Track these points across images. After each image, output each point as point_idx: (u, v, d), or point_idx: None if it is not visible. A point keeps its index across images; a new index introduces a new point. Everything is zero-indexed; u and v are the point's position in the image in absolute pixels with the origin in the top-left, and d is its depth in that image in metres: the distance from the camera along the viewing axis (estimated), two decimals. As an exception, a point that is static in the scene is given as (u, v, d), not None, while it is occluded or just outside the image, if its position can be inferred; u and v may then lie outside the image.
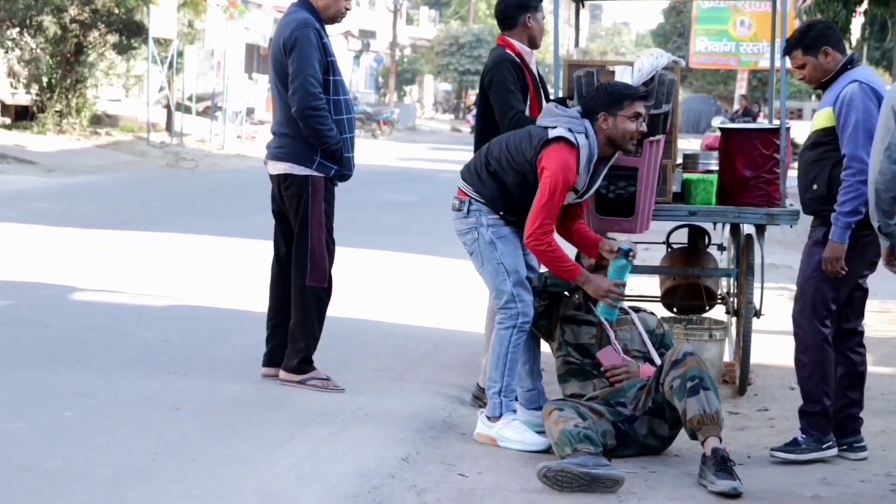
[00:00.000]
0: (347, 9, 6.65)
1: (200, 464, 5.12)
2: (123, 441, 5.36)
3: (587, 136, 5.63)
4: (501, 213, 5.75)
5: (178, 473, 4.97)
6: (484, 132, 6.35)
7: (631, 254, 5.65)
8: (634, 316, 6.08)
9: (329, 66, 6.45)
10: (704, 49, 39.72)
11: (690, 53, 40.27)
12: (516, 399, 5.94)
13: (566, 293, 6.01)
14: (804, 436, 5.74)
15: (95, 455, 5.13)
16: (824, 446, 5.74)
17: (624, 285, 5.66)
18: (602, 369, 5.86)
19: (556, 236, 5.65)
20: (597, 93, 5.73)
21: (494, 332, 5.85)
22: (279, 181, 6.55)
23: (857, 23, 18.02)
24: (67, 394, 6.13)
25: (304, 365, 6.58)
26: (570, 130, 5.60)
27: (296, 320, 6.56)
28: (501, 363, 5.78)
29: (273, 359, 6.71)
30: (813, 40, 5.71)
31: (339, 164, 6.48)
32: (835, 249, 5.60)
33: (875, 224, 5.53)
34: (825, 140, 5.69)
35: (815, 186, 5.71)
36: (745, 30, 37.04)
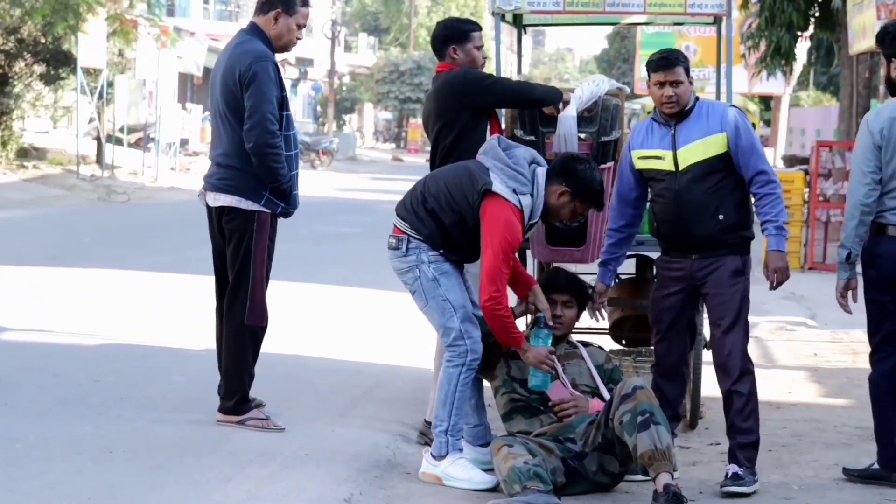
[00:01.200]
0: (299, 38, 6.49)
1: (135, 509, 4.95)
2: (53, 486, 5.21)
3: (532, 195, 5.59)
4: (441, 251, 5.67)
5: (111, 520, 4.80)
6: (445, 159, 6.25)
7: (544, 320, 5.77)
8: (583, 350, 6.01)
9: (283, 101, 6.32)
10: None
11: (636, 79, 40.46)
12: (462, 437, 5.82)
13: None
14: (744, 469, 5.74)
15: (24, 501, 4.97)
16: (756, 477, 5.77)
17: (554, 353, 5.73)
18: (550, 404, 5.77)
19: None
20: (584, 173, 5.64)
21: (442, 369, 5.75)
22: (219, 213, 6.37)
23: (802, 47, 18.23)
24: (-6, 437, 5.93)
25: (241, 405, 6.41)
26: (513, 191, 5.54)
27: (232, 360, 6.39)
28: (449, 402, 5.68)
29: None
30: (687, 63, 5.87)
31: (286, 201, 6.36)
32: (784, 258, 5.76)
33: (846, 252, 5.62)
34: (718, 167, 5.78)
35: (721, 216, 5.77)
36: (690, 55, 37.32)
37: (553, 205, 5.66)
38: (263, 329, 6.46)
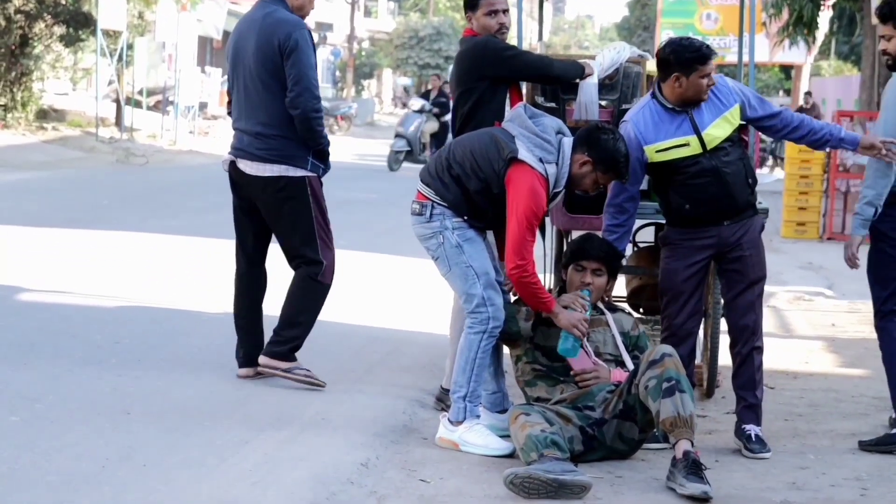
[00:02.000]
0: (311, 9, 6.66)
1: (152, 470, 4.99)
2: (72, 447, 5.22)
3: (558, 164, 5.58)
4: (466, 217, 5.67)
5: (128, 480, 4.84)
6: (464, 125, 6.26)
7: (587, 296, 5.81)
8: (609, 317, 5.98)
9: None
10: (670, 43, 39.78)
11: (656, 47, 40.15)
12: (480, 404, 5.84)
13: None
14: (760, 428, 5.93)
15: (42, 461, 4.98)
16: None
17: (587, 321, 5.71)
18: (572, 373, 5.76)
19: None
20: (608, 143, 5.62)
21: (463, 336, 5.75)
22: (265, 183, 6.43)
23: (825, 17, 18.08)
24: (13, 397, 5.96)
25: (292, 354, 6.51)
26: (540, 160, 5.52)
27: (298, 309, 6.54)
28: (469, 368, 5.68)
29: (251, 360, 6.61)
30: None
31: (325, 163, 6.53)
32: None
33: (872, 210, 5.90)
34: (735, 137, 5.96)
35: (750, 180, 5.97)
36: (711, 23, 37.08)
37: (575, 174, 5.65)
38: (329, 286, 6.67)
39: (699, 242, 5.97)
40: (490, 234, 5.95)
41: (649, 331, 6.93)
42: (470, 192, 5.64)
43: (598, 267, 5.92)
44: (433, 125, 24.56)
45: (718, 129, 5.87)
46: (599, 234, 6.13)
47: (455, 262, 5.67)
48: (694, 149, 5.87)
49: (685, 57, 5.79)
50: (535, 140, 5.58)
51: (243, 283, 6.70)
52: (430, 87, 26.79)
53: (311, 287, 6.55)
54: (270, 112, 6.39)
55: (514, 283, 5.63)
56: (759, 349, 6.01)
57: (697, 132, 5.85)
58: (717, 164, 5.87)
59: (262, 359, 6.52)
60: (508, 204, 5.56)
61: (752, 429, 5.88)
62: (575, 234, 7.10)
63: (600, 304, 6.00)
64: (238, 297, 6.70)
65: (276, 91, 6.36)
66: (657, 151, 5.90)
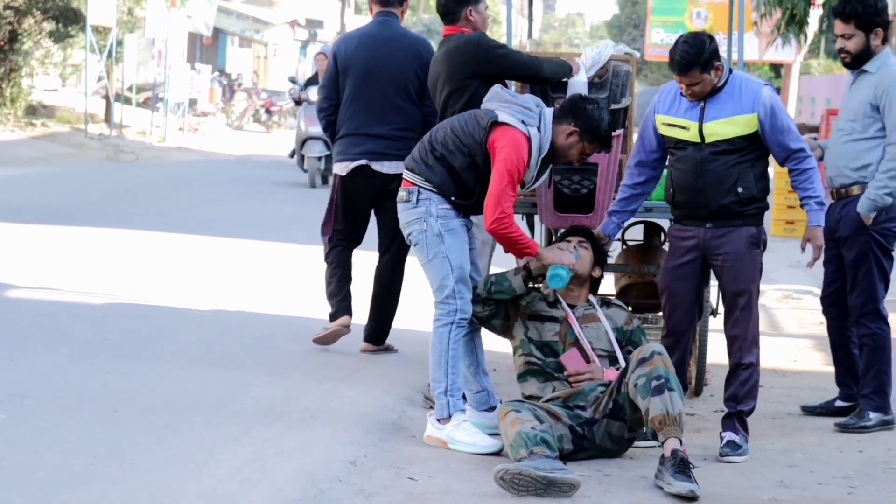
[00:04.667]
0: None
1: (140, 467, 5.00)
2: (60, 443, 5.23)
3: (540, 129, 5.57)
4: (453, 198, 5.67)
5: (117, 477, 4.84)
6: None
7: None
8: (601, 312, 5.97)
9: None
10: (660, 41, 39.46)
11: (646, 45, 40.06)
12: (465, 399, 5.85)
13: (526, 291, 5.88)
14: (740, 436, 5.88)
15: (31, 458, 4.99)
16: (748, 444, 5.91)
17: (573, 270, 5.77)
18: (565, 373, 5.77)
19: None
20: (593, 113, 5.65)
21: (433, 330, 5.76)
22: (390, 179, 7.17)
23: (814, 15, 18.12)
24: (2, 394, 5.97)
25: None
26: (522, 122, 5.54)
27: (393, 303, 7.58)
28: (443, 361, 5.69)
29: (374, 337, 7.57)
30: (709, 57, 5.66)
31: None
32: (821, 233, 5.93)
33: (890, 200, 6.14)
34: (742, 146, 5.77)
35: (740, 189, 5.78)
36: (701, 21, 37.07)
37: (561, 145, 5.66)
38: None
39: (685, 243, 5.95)
40: (480, 233, 5.97)
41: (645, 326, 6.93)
42: (456, 170, 5.64)
43: (582, 239, 5.95)
44: None
45: (723, 127, 5.76)
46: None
47: (434, 250, 5.69)
48: (692, 136, 5.80)
49: (671, 60, 5.77)
50: (514, 107, 5.60)
51: (341, 260, 7.55)
52: (316, 70, 19.14)
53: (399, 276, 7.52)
54: (410, 118, 7.26)
55: (495, 236, 5.64)
56: (745, 365, 5.89)
57: (701, 121, 5.80)
58: (701, 159, 5.79)
59: (365, 346, 7.51)
60: (492, 161, 5.57)
61: (726, 434, 5.86)
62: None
63: (593, 300, 6.00)
64: (336, 267, 7.55)
65: (416, 100, 7.26)
66: (663, 124, 5.89)
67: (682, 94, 5.82)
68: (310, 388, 6.54)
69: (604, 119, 5.68)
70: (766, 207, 5.92)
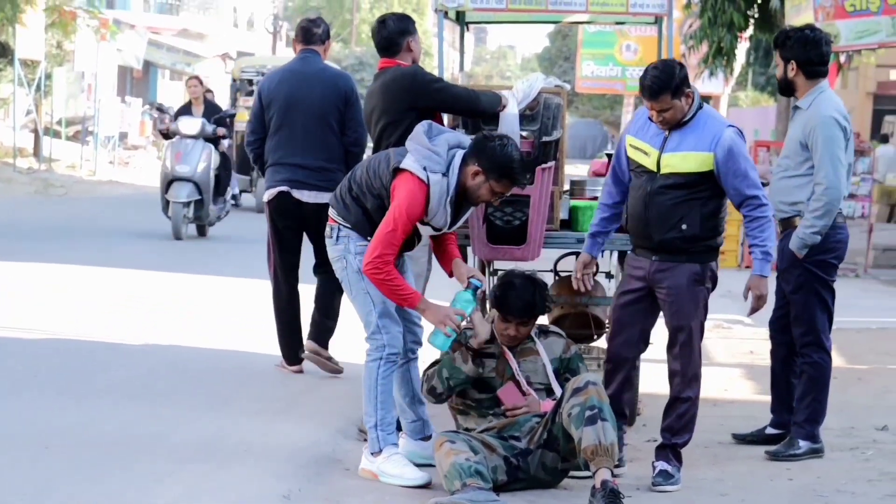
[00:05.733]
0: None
1: (71, 504, 4.93)
2: None
3: (446, 174, 5.54)
4: (369, 238, 5.67)
5: (48, 515, 4.78)
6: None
7: (480, 290, 5.68)
8: (540, 345, 5.97)
9: None
10: (591, 73, 39.90)
11: (577, 78, 40.41)
12: (399, 430, 5.87)
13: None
14: (672, 465, 5.89)
15: None
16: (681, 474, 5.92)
17: (464, 316, 5.61)
18: (503, 408, 5.78)
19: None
20: (495, 150, 5.55)
21: (364, 365, 5.77)
22: (318, 208, 7.36)
23: (742, 48, 18.43)
24: (-71, 432, 5.89)
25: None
26: (423, 168, 5.51)
27: (333, 308, 7.85)
28: (373, 396, 5.70)
29: (298, 358, 7.93)
30: (680, 83, 5.68)
31: None
32: (766, 284, 5.88)
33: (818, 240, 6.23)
34: (694, 182, 5.75)
35: (684, 227, 5.77)
36: (631, 54, 37.49)
37: (470, 185, 5.58)
38: None
39: (634, 272, 5.97)
40: (415, 266, 5.98)
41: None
42: (369, 210, 5.65)
43: (521, 321, 5.91)
44: (216, 158, 15.74)
45: (678, 160, 5.75)
46: (521, 267, 6.16)
47: (356, 287, 5.70)
48: (650, 163, 5.81)
49: (641, 86, 5.76)
50: (424, 152, 5.56)
51: (285, 297, 7.91)
52: (190, 97, 16.60)
53: (336, 293, 7.59)
54: (330, 149, 7.62)
55: (371, 279, 5.56)
56: (683, 399, 5.92)
57: (661, 150, 5.79)
58: (651, 190, 5.80)
59: (309, 344, 7.77)
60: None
61: (658, 464, 5.88)
62: (498, 264, 7.15)
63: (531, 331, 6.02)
64: (284, 308, 7.92)
65: (336, 132, 7.64)
66: (630, 145, 5.91)
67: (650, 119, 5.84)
68: (243, 423, 6.51)
69: (508, 155, 5.54)
70: (717, 246, 5.88)
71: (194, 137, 15.37)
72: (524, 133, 6.45)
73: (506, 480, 5.55)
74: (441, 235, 5.79)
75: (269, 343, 8.84)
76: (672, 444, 5.91)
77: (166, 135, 15.85)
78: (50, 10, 25.81)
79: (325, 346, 7.85)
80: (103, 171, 27.88)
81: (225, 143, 16.06)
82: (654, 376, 7.66)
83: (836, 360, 6.85)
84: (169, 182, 15.22)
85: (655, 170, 5.80)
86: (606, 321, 7.38)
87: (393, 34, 6.53)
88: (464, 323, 5.64)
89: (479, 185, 5.57)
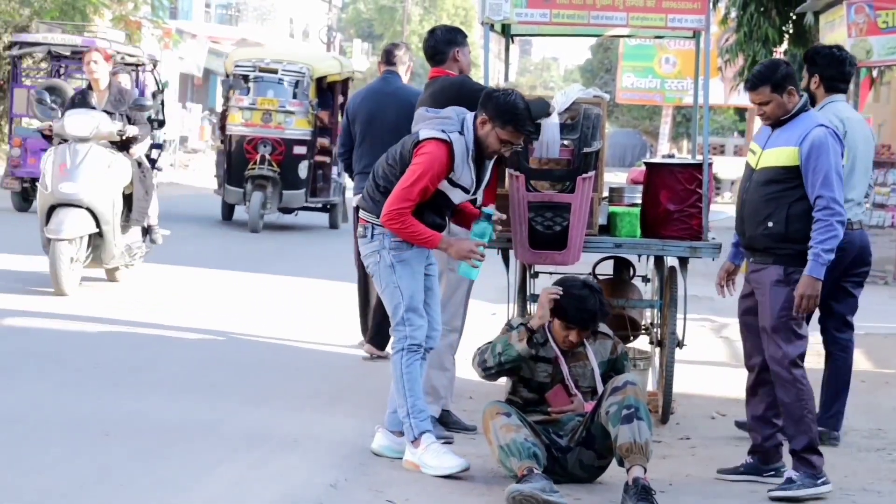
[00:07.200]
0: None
1: (128, 489, 5.11)
2: (50, 467, 5.34)
3: (462, 132, 5.77)
4: None
5: (104, 499, 4.96)
6: None
7: (493, 217, 5.86)
8: (590, 349, 5.97)
9: None
10: (630, 85, 40.22)
11: (617, 89, 40.74)
12: (427, 418, 5.96)
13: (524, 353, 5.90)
14: (798, 472, 5.77)
15: (22, 480, 5.10)
16: (819, 482, 5.76)
17: (484, 246, 5.84)
18: (550, 411, 5.88)
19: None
20: (498, 98, 5.78)
21: (391, 357, 5.99)
22: None
23: (777, 62, 18.56)
24: (-6, 419, 6.08)
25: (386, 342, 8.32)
26: (442, 131, 5.74)
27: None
28: (401, 386, 5.89)
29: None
30: (782, 79, 5.78)
31: None
32: (815, 286, 5.68)
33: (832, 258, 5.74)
34: (783, 178, 5.76)
35: (770, 224, 5.77)
36: (669, 67, 37.65)
37: (480, 136, 5.78)
38: None
39: (746, 277, 6.04)
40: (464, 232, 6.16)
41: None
42: None
43: (585, 329, 5.93)
44: (126, 171, 10.60)
45: (772, 156, 5.80)
46: (585, 277, 6.30)
47: (386, 280, 5.90)
48: (753, 161, 5.90)
49: (746, 81, 5.88)
50: (435, 122, 5.80)
51: (363, 287, 8.71)
52: (88, 79, 10.73)
53: None
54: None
55: (388, 228, 5.77)
56: (782, 402, 5.91)
57: (764, 147, 5.88)
58: (749, 186, 5.88)
59: (368, 347, 8.45)
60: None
61: (787, 473, 5.85)
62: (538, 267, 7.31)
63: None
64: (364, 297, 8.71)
65: (393, 141, 7.89)
66: (749, 150, 6.05)
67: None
68: (292, 415, 6.66)
69: (512, 102, 5.74)
70: (805, 251, 5.70)
71: (86, 140, 10.20)
72: (565, 141, 6.58)
73: (544, 468, 5.60)
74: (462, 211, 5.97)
75: (316, 336, 9.09)
76: (791, 451, 5.86)
77: (49, 137, 10.56)
78: (116, 19, 26.27)
79: (382, 349, 8.29)
80: (164, 173, 28.12)
81: (143, 146, 10.82)
82: (688, 377, 7.79)
83: (865, 363, 6.92)
84: (50, 209, 10.09)
85: (756, 166, 5.90)
86: (642, 323, 7.59)
87: (439, 43, 6.80)
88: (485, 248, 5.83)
89: (487, 133, 5.77)
